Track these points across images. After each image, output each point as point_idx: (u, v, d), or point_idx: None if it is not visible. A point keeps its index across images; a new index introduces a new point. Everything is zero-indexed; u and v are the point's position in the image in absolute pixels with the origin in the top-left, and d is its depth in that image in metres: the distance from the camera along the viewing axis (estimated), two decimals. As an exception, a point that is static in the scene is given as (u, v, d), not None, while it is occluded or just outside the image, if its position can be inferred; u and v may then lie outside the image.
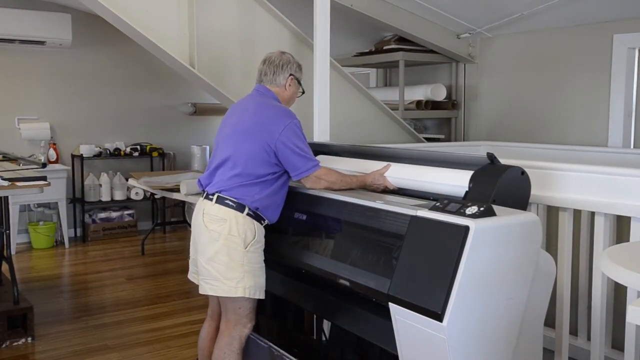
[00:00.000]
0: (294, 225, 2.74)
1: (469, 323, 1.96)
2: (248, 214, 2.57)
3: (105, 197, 6.77)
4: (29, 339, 3.83)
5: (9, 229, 4.26)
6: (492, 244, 1.97)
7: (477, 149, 4.47)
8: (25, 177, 3.83)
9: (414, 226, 2.10)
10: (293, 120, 2.59)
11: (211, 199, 2.61)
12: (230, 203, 2.57)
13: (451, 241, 1.94)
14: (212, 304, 2.89)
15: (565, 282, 2.75)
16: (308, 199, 2.71)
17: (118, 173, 6.85)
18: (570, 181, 2.66)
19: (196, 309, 4.41)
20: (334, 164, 2.98)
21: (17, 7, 6.03)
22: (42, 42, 6.26)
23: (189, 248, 2.85)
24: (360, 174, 2.76)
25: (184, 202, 6.44)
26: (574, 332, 3.05)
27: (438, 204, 2.12)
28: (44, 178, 3.84)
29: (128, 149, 6.88)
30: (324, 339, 3.06)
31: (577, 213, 2.84)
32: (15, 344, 3.78)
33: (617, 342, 2.86)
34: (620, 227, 2.75)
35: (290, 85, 2.77)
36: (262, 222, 2.64)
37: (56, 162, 6.51)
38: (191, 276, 2.84)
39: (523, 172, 2.35)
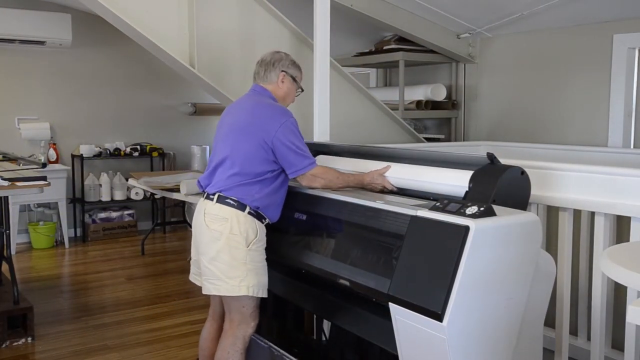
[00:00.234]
0: (294, 225, 2.73)
1: (469, 323, 1.96)
2: (249, 213, 2.57)
3: (105, 197, 6.77)
4: (29, 339, 3.83)
5: (9, 229, 4.26)
6: (492, 244, 1.97)
7: (477, 149, 4.47)
8: (25, 177, 3.83)
9: (414, 226, 2.10)
10: (289, 119, 2.59)
11: (212, 199, 2.61)
12: (231, 202, 2.57)
13: (451, 241, 1.94)
14: (213, 304, 2.89)
15: (565, 282, 2.75)
16: (308, 199, 2.71)
17: (118, 173, 6.85)
18: (570, 181, 2.66)
19: (196, 309, 4.41)
20: (334, 164, 2.98)
21: (17, 7, 6.03)
22: (42, 42, 6.26)
23: (189, 248, 2.85)
24: (359, 173, 2.76)
25: (184, 202, 6.44)
26: (574, 332, 3.05)
27: (438, 204, 2.12)
28: (44, 178, 3.84)
29: (128, 149, 6.88)
30: (324, 339, 3.06)
31: (577, 213, 2.84)
32: (15, 344, 3.78)
33: (617, 342, 2.86)
34: (620, 227, 2.75)
35: (283, 81, 2.76)
36: (263, 220, 2.64)
37: (56, 162, 6.51)
38: (192, 277, 2.83)
39: (523, 172, 2.35)
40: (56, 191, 6.07)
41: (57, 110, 6.64)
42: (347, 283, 2.32)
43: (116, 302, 4.61)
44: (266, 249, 2.67)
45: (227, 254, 2.55)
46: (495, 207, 2.06)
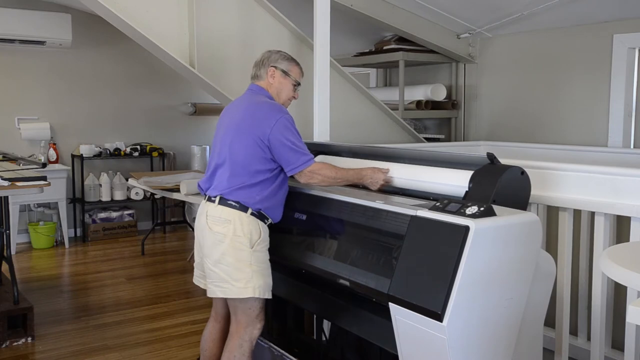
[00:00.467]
0: (294, 226, 2.73)
1: (469, 323, 1.96)
2: (252, 214, 2.57)
3: (105, 197, 6.77)
4: (29, 339, 3.83)
5: (9, 229, 4.26)
6: (492, 244, 1.97)
7: (477, 149, 4.47)
8: (25, 177, 3.83)
9: (414, 226, 2.10)
10: (284, 115, 2.58)
11: (214, 201, 2.60)
12: (233, 204, 2.56)
13: (451, 241, 1.94)
14: (216, 306, 2.87)
15: (565, 282, 2.75)
16: (308, 199, 2.71)
17: (118, 173, 6.85)
18: (570, 181, 2.66)
19: (196, 309, 4.41)
20: (334, 163, 2.97)
21: (17, 7, 6.03)
22: (42, 42, 6.26)
23: (189, 248, 2.85)
24: (358, 168, 2.75)
25: (184, 202, 6.44)
26: (574, 332, 3.05)
27: (438, 204, 2.12)
28: (44, 178, 3.84)
29: (128, 149, 6.88)
30: (324, 339, 3.06)
31: (577, 213, 2.84)
32: (15, 344, 3.78)
33: (617, 342, 2.86)
34: (620, 227, 2.75)
35: (273, 76, 2.74)
36: (266, 221, 2.64)
37: (56, 162, 6.51)
38: (196, 280, 2.82)
39: (523, 172, 2.35)
40: (56, 191, 6.07)
41: (57, 110, 6.63)
42: (347, 283, 2.32)
43: (116, 302, 4.60)
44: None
45: (231, 256, 2.53)
46: (495, 207, 2.06)
